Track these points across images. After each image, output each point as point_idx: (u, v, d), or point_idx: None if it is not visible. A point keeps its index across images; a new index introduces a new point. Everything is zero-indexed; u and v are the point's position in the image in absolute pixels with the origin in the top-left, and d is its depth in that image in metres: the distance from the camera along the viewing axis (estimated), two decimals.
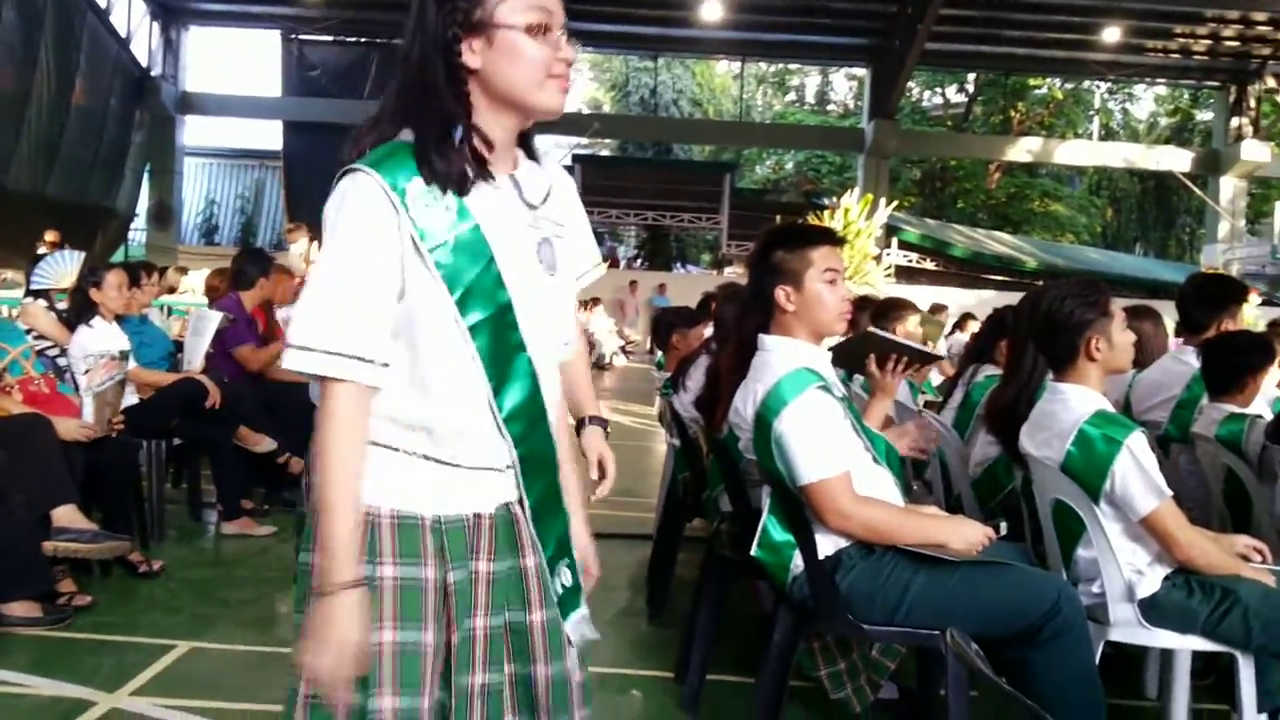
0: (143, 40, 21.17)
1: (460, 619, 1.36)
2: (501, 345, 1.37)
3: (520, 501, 1.44)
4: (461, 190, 1.34)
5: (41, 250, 7.41)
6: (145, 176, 21.72)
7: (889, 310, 5.26)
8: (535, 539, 1.45)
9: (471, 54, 1.34)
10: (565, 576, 1.50)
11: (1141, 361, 3.66)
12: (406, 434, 1.38)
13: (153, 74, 21.32)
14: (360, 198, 1.32)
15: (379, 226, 1.31)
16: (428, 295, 1.33)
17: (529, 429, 1.42)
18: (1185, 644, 2.45)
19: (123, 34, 19.96)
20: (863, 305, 5.45)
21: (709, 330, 4.47)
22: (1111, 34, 18.75)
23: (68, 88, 16.69)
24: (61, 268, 4.84)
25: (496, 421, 1.39)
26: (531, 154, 1.48)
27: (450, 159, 1.34)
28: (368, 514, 1.35)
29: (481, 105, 1.37)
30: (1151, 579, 2.44)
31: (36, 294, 4.87)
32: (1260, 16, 17.96)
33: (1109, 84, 25.91)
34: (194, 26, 23.62)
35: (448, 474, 1.39)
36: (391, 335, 1.34)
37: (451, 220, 1.34)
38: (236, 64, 31.94)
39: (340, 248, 1.32)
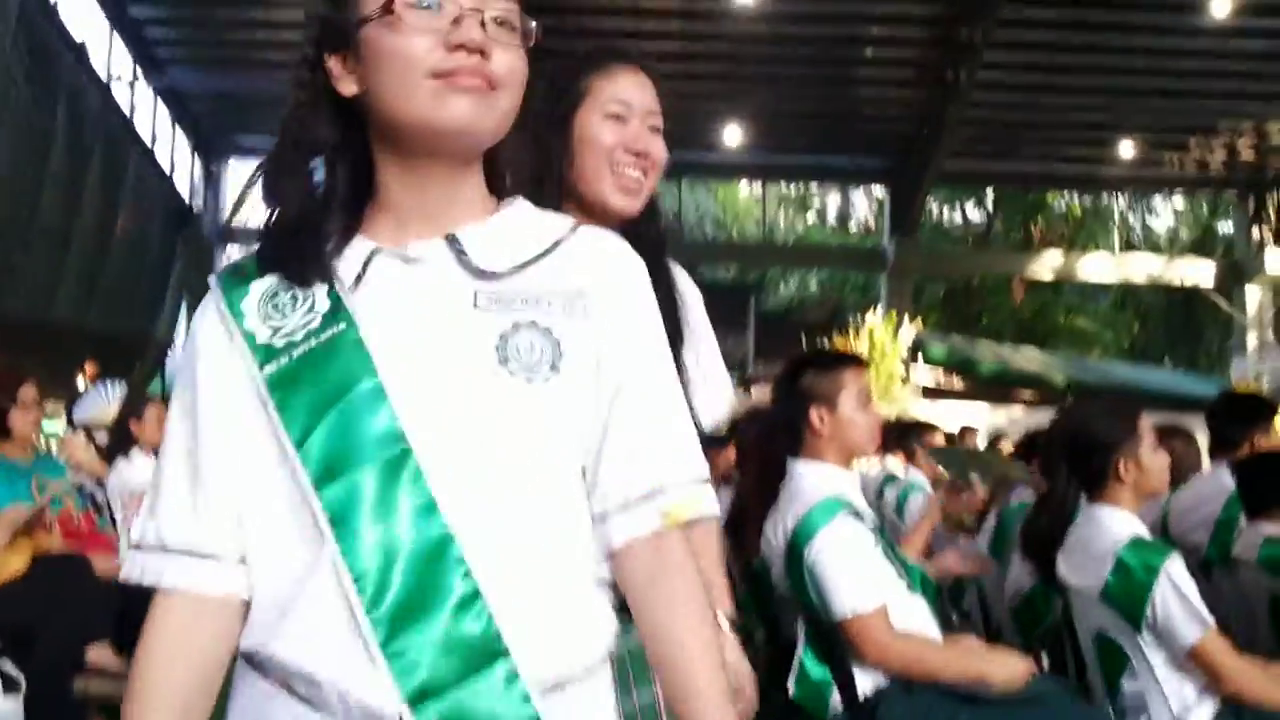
0: (185, 174, 21.98)
1: None
2: (384, 513, 0.85)
3: None
4: (318, 278, 0.93)
5: (81, 383, 7.58)
6: (184, 306, 22.26)
7: (914, 433, 5.26)
8: None
9: (346, 76, 0.94)
10: None
11: (1176, 481, 3.63)
12: (250, 658, 0.92)
13: (194, 206, 22.08)
14: (192, 331, 1.00)
15: (208, 364, 0.95)
16: (259, 441, 0.90)
17: (450, 662, 0.83)
18: None
19: (166, 168, 20.74)
20: (887, 428, 5.46)
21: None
22: (1126, 148, 19.06)
23: (111, 220, 17.27)
24: (102, 401, 4.96)
25: (366, 644, 0.83)
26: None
27: (284, 241, 0.95)
28: None
29: (383, 150, 0.95)
30: (1200, 713, 2.37)
31: (76, 427, 4.99)
32: (1275, 127, 18.22)
33: (1127, 197, 26.20)
34: (234, 160, 24.53)
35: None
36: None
37: (313, 327, 0.91)
38: None
39: (172, 406, 0.98)
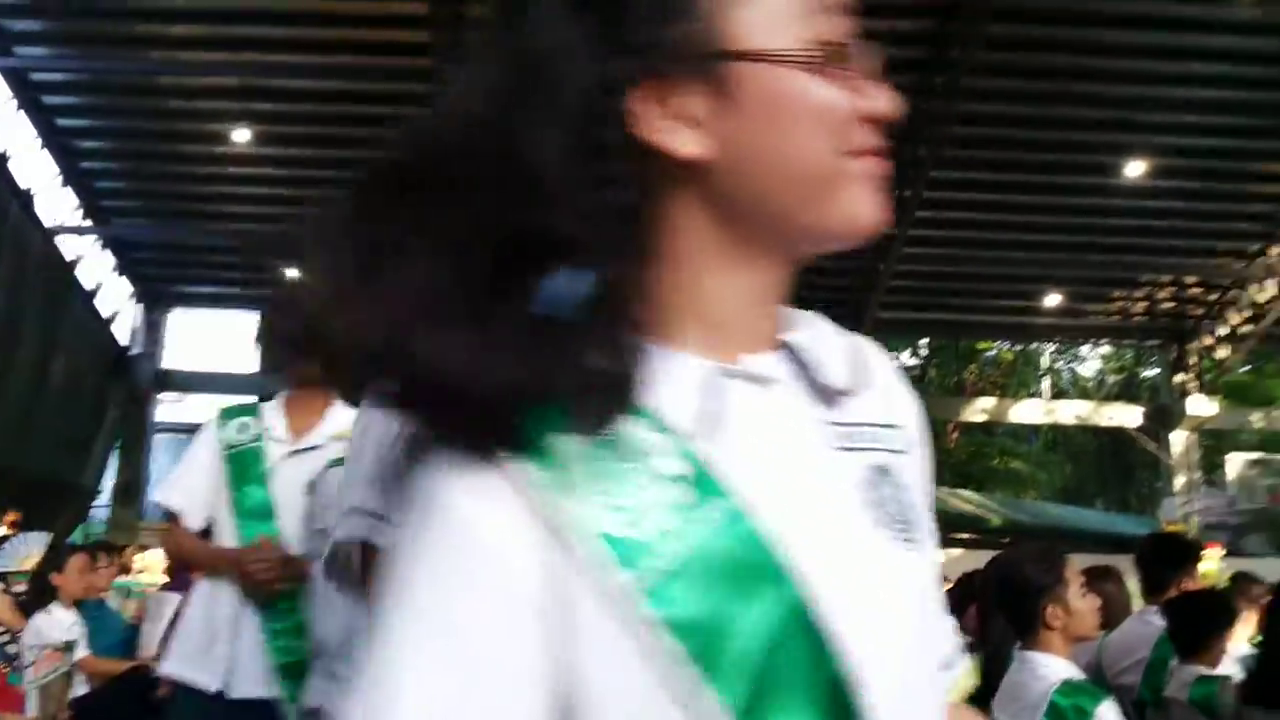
0: (125, 320, 21.77)
1: None
2: None
3: None
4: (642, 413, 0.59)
5: (2, 532, 7.32)
6: (115, 452, 21.71)
7: None
8: None
9: (679, 127, 0.60)
10: None
11: (1108, 623, 3.67)
12: None
13: (131, 352, 21.78)
14: (454, 525, 0.57)
15: (511, 581, 0.56)
16: (632, 695, 0.55)
17: None
18: None
19: (105, 315, 20.58)
20: None
21: None
22: (1053, 299, 19.79)
23: (46, 365, 17.01)
24: (23, 550, 4.80)
25: None
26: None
27: (608, 372, 0.58)
28: None
29: (707, 236, 0.64)
30: None
31: None
32: (1191, 279, 19.13)
33: (1055, 345, 27.10)
34: (177, 309, 24.37)
35: None
36: None
37: (683, 502, 0.57)
38: (214, 341, 32.83)
39: (444, 678, 0.55)
